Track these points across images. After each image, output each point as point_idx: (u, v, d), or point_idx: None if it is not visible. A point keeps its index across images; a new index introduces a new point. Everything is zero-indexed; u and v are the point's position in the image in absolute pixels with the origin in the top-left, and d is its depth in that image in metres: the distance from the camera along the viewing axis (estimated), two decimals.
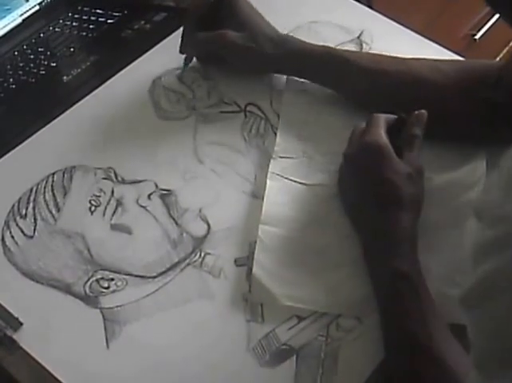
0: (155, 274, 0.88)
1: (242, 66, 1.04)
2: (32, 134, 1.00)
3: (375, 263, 0.84)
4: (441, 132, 0.90)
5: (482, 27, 1.73)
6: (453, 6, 1.64)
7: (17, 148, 0.99)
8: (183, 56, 1.05)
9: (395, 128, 0.90)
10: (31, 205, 0.93)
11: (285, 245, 0.89)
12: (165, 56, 1.07)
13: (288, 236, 0.90)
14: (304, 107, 1.02)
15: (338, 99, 1.01)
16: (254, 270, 0.86)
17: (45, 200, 0.93)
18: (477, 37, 1.74)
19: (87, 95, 1.04)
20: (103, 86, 1.05)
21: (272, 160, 0.96)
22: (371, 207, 0.86)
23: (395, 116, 0.91)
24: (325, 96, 1.02)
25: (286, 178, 0.95)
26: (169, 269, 0.88)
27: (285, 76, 1.05)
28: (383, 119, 0.89)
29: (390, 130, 0.89)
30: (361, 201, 0.88)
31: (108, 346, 0.83)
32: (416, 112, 0.89)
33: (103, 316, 0.85)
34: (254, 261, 0.87)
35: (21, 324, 0.84)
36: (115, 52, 1.11)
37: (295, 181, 0.95)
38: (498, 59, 1.10)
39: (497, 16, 1.37)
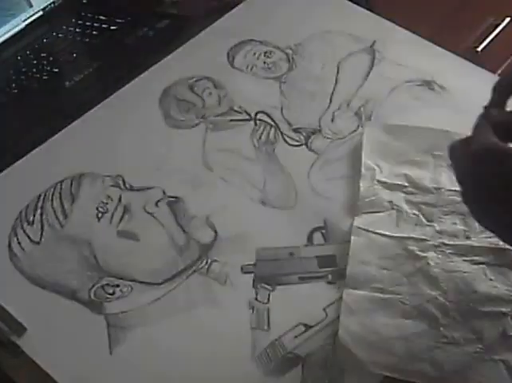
0: (160, 281, 0.87)
1: None
2: (32, 138, 1.00)
3: None
4: None
5: (484, 40, 1.73)
6: (454, 20, 1.64)
7: (27, 156, 0.99)
8: (194, 64, 1.05)
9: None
10: (38, 212, 0.93)
11: (371, 308, 0.84)
12: (176, 65, 1.07)
13: (374, 299, 0.84)
14: (388, 147, 0.97)
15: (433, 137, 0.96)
16: (340, 333, 0.81)
17: (52, 207, 0.93)
18: (479, 49, 1.73)
19: (89, 101, 1.04)
20: (114, 95, 1.05)
21: (356, 216, 0.91)
22: None
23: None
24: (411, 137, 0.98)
25: (372, 232, 0.89)
26: (175, 275, 0.87)
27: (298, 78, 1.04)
28: (489, 121, 0.72)
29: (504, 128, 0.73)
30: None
31: (111, 352, 0.82)
32: None
33: (107, 322, 0.84)
34: (340, 325, 0.81)
35: (26, 329, 0.83)
36: (117, 58, 1.11)
37: (382, 234, 0.89)
38: (499, 71, 1.12)
39: (499, 29, 1.37)
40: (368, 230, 0.89)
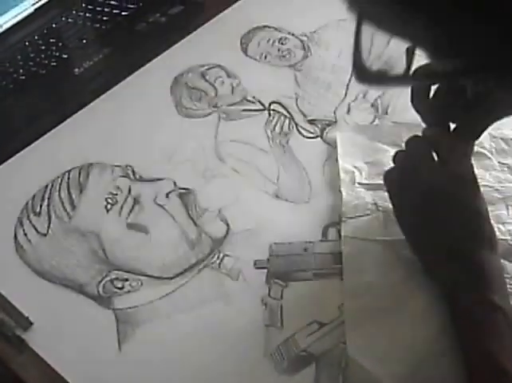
0: (171, 275, 0.85)
1: None
2: (40, 126, 0.99)
3: (461, 291, 0.75)
4: None
5: None
6: None
7: (33, 145, 0.97)
8: (206, 51, 1.03)
9: None
10: (46, 202, 0.91)
11: (374, 318, 0.80)
12: (187, 52, 1.05)
13: (374, 307, 0.81)
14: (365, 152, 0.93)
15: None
16: (349, 350, 0.78)
17: (60, 198, 0.91)
18: None
19: (98, 88, 1.02)
20: (124, 82, 1.03)
21: (342, 223, 0.88)
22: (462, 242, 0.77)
23: None
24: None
25: (361, 239, 0.86)
26: (186, 270, 0.85)
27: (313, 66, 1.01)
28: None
29: None
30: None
31: (120, 349, 0.80)
32: None
33: (116, 317, 0.82)
34: (347, 340, 0.78)
35: (32, 323, 0.82)
36: (128, 45, 1.08)
37: (371, 240, 0.86)
38: None
39: None
40: (356, 238, 0.86)
